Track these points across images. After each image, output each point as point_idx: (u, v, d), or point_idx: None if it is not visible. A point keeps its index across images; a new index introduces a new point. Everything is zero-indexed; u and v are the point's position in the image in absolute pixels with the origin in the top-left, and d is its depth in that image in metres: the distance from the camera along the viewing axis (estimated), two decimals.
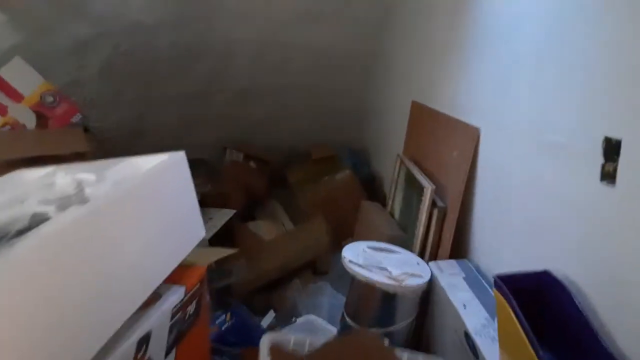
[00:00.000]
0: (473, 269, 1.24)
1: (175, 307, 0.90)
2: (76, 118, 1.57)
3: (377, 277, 1.17)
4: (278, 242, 2.11)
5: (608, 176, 0.80)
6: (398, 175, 1.70)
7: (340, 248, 1.94)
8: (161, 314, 0.85)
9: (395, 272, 1.19)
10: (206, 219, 2.13)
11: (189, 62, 2.16)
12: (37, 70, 1.69)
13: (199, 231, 1.05)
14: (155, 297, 0.88)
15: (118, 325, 0.74)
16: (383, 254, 1.29)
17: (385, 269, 1.21)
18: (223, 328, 1.38)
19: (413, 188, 1.50)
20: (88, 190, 0.78)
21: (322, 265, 1.97)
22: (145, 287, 0.83)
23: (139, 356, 0.79)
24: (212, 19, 2.03)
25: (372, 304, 1.22)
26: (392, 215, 1.71)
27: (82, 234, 0.69)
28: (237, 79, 2.34)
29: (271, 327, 1.56)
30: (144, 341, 0.80)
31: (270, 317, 1.55)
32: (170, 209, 0.94)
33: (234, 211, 2.14)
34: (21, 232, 0.62)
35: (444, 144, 1.43)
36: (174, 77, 2.21)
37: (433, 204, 1.36)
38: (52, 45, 1.82)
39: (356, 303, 1.26)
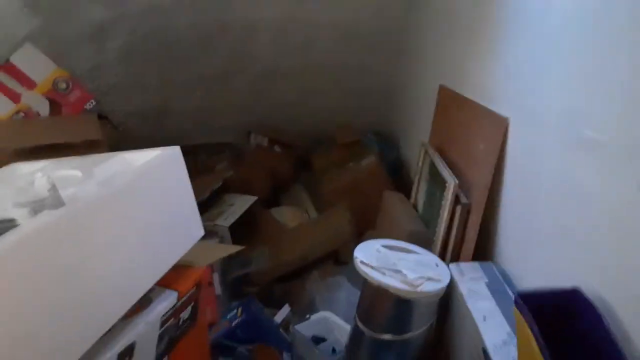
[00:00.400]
0: (497, 273, 1.13)
1: (165, 314, 0.85)
2: (90, 105, 1.55)
3: (391, 281, 1.08)
4: (300, 230, 2.05)
5: None
6: (422, 166, 1.59)
7: (363, 238, 1.86)
8: (148, 323, 0.80)
9: (410, 275, 1.10)
10: (227, 205, 2.10)
11: (210, 43, 2.09)
12: (56, 56, 1.67)
13: (196, 231, 0.99)
14: (144, 303, 0.83)
15: (94, 339, 0.69)
16: (399, 254, 1.20)
17: (400, 272, 1.12)
18: (233, 324, 1.34)
19: (436, 181, 1.39)
20: (69, 191, 0.72)
21: (344, 255, 1.90)
22: (129, 295, 0.78)
23: None
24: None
25: (385, 309, 1.13)
26: (415, 207, 1.61)
27: (52, 242, 0.64)
28: (260, 59, 2.26)
29: (286, 323, 1.51)
30: (127, 353, 0.76)
31: (284, 312, 1.50)
32: (162, 209, 0.88)
33: (256, 198, 2.10)
34: None
35: (470, 133, 1.31)
36: (196, 60, 2.15)
37: (456, 200, 1.25)
38: (70, 31, 1.80)
39: (368, 307, 1.18)
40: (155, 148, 0.94)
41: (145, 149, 0.94)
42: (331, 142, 2.44)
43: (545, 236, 0.98)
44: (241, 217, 2.00)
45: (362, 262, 1.14)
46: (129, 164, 0.88)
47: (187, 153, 2.54)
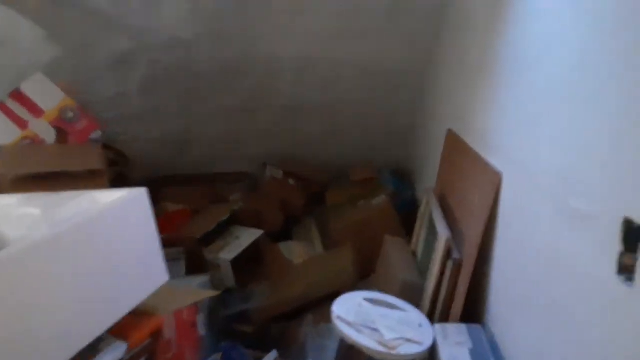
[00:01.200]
0: (484, 339, 1.04)
1: None
2: (96, 134, 1.58)
3: (366, 341, 1.02)
4: (304, 268, 2.01)
5: (626, 270, 0.60)
6: (425, 212, 1.52)
7: (366, 282, 1.79)
8: None
9: (388, 335, 1.04)
10: (234, 237, 2.08)
11: (232, 77, 2.12)
12: (79, 84, 1.73)
13: (159, 276, 0.96)
14: (92, 353, 0.81)
15: None
16: (382, 310, 1.14)
17: (378, 331, 1.05)
18: None
19: (433, 231, 1.32)
20: (20, 232, 0.72)
21: None
22: (72, 344, 0.76)
23: None
24: (254, 34, 1.97)
25: None
26: (415, 254, 1.54)
27: None
28: (282, 95, 2.27)
29: None
30: None
31: (271, 357, 1.45)
32: (120, 252, 0.87)
33: (262, 232, 2.07)
34: None
35: (468, 184, 1.24)
36: (218, 92, 2.18)
37: (448, 255, 1.18)
38: (93, 60, 1.86)
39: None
40: (123, 189, 0.93)
41: (113, 189, 0.94)
42: (347, 178, 2.40)
43: (536, 305, 0.90)
44: (246, 250, 1.99)
45: (339, 317, 1.08)
46: (92, 204, 0.87)
47: (205, 181, 2.56)
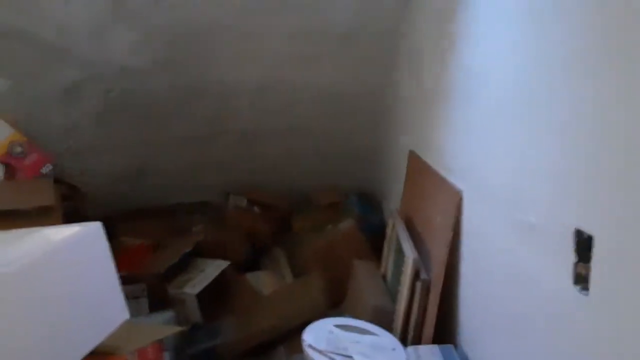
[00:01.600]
0: (457, 359, 1.03)
1: None
2: (46, 169, 1.52)
3: None
4: (274, 299, 1.96)
5: (581, 280, 0.61)
6: (391, 235, 1.52)
7: (338, 309, 1.76)
8: None
9: None
10: (198, 270, 2.02)
11: (188, 105, 2.09)
12: (26, 116, 1.66)
13: (118, 314, 0.92)
14: None
15: None
16: (354, 336, 1.12)
17: (350, 358, 1.03)
18: None
19: (401, 253, 1.32)
20: None
21: None
22: None
23: None
24: (208, 61, 1.96)
25: None
26: (384, 278, 1.53)
27: None
28: (240, 121, 2.25)
29: None
30: None
31: None
32: (76, 290, 0.82)
33: (228, 263, 2.02)
34: None
35: (430, 204, 1.25)
36: (173, 120, 2.14)
37: (416, 276, 1.17)
38: (42, 91, 1.80)
39: None
40: (76, 224, 0.89)
41: (66, 225, 0.89)
42: (312, 203, 2.39)
43: (501, 321, 0.90)
44: (212, 282, 1.93)
45: (310, 345, 1.05)
46: (44, 241, 0.82)
47: (165, 213, 2.48)
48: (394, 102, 1.99)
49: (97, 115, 1.99)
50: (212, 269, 2.00)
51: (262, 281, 2.09)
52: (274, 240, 2.38)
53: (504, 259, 0.87)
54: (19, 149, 1.49)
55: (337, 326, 1.15)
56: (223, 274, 1.99)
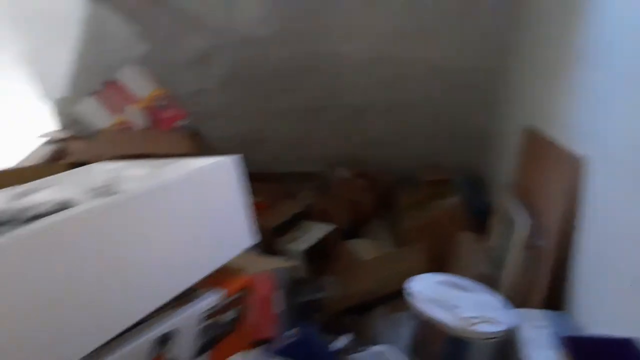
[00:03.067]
0: (567, 324, 1.02)
1: (208, 311, 0.89)
2: (182, 122, 1.70)
3: (443, 316, 1.03)
4: (373, 264, 2.02)
5: None
6: (500, 207, 1.50)
7: None
8: (189, 315, 0.85)
9: (466, 313, 1.04)
10: (305, 230, 2.15)
11: (301, 77, 2.21)
12: (161, 79, 1.87)
13: (245, 239, 1.03)
14: (188, 299, 0.89)
15: (128, 323, 0.75)
16: (460, 292, 1.14)
17: (456, 308, 1.06)
18: (287, 343, 1.35)
19: (511, 224, 1.31)
20: (128, 185, 0.81)
21: None
22: (171, 287, 0.84)
23: (157, 354, 0.79)
24: (325, 33, 2.05)
25: (435, 347, 1.07)
26: (490, 250, 1.52)
27: (96, 225, 0.71)
28: (349, 95, 2.33)
29: (344, 351, 1.48)
30: (165, 340, 0.80)
31: (343, 341, 1.47)
32: (212, 213, 0.94)
33: (333, 226, 2.12)
34: (36, 217, 0.66)
35: (546, 175, 1.22)
36: (288, 91, 2.28)
37: (528, 244, 1.16)
38: (174, 57, 2.01)
39: (418, 342, 1.12)
40: (216, 157, 1.01)
41: (208, 157, 1.02)
42: (417, 180, 2.40)
43: (624, 292, 0.87)
44: (317, 244, 2.04)
45: (414, 293, 1.10)
46: (189, 168, 0.95)
47: (274, 180, 2.65)
48: (509, 77, 1.94)
49: (220, 83, 2.18)
50: (317, 231, 2.12)
51: (363, 248, 2.17)
52: (376, 213, 2.44)
53: (629, 224, 0.84)
54: (160, 103, 1.70)
55: (443, 282, 1.17)
56: (327, 237, 2.10)
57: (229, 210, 0.99)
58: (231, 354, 0.96)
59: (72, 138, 1.87)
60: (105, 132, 1.65)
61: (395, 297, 1.83)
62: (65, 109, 1.99)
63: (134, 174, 0.89)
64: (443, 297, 1.10)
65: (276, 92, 2.29)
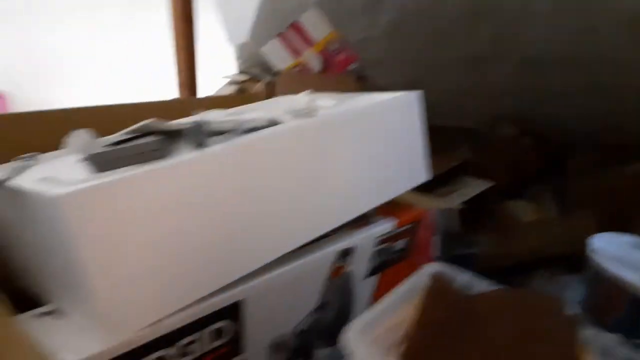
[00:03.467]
0: None
1: (382, 236, 0.94)
2: (352, 66, 1.75)
3: (630, 277, 0.94)
4: (535, 225, 1.91)
5: None
6: None
7: None
8: (366, 236, 0.91)
9: None
10: (461, 185, 2.10)
11: (473, 23, 2.09)
12: (334, 23, 1.92)
13: (421, 174, 1.05)
14: (363, 223, 0.94)
15: (318, 231, 0.83)
16: None
17: None
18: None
19: None
20: (321, 109, 0.88)
21: (579, 263, 1.69)
22: (350, 208, 0.89)
23: (338, 265, 0.87)
24: None
25: (617, 308, 0.99)
26: None
27: (300, 141, 0.78)
28: (526, 45, 2.15)
29: None
30: (346, 254, 0.88)
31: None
32: (391, 143, 0.97)
33: (492, 184, 2.04)
34: (252, 130, 0.75)
35: None
36: (457, 39, 2.18)
37: None
38: (342, 3, 2.03)
39: (596, 301, 1.05)
40: (397, 92, 1.03)
41: (388, 92, 1.04)
42: (594, 143, 2.17)
43: None
44: (472, 200, 1.99)
45: (597, 249, 1.02)
46: (372, 100, 0.98)
47: (432, 133, 2.62)
48: None
49: (388, 30, 2.16)
50: (475, 186, 2.06)
51: (523, 210, 2.06)
52: (542, 175, 2.28)
53: None
54: (334, 46, 1.76)
55: (629, 243, 1.07)
56: (484, 194, 2.03)
57: (409, 144, 1.01)
58: (398, 281, 1.01)
59: (253, 80, 2.06)
60: (285, 74, 1.77)
61: (557, 261, 1.72)
62: (248, 53, 2.18)
63: (325, 104, 0.96)
64: (629, 257, 1.00)
65: (443, 39, 2.21)
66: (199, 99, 1.78)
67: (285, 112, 0.88)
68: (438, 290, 0.81)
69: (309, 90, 1.05)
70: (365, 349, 0.67)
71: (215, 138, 0.75)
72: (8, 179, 0.69)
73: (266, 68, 2.07)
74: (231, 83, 2.17)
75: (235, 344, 0.74)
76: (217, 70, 2.19)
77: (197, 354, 0.70)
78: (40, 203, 0.60)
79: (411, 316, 0.76)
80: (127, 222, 0.60)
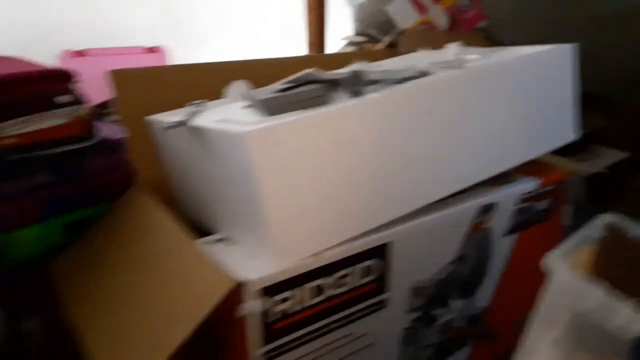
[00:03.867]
0: None
1: (524, 194, 0.92)
2: (481, 24, 1.67)
3: None
4: None
5: None
6: None
7: None
8: (509, 193, 0.90)
9: None
10: (594, 154, 1.96)
11: None
12: None
13: (568, 133, 1.00)
14: (508, 180, 0.93)
15: (463, 184, 0.83)
16: None
17: None
18: None
19: None
20: (467, 62, 0.86)
21: None
22: (496, 162, 0.88)
23: (478, 220, 0.87)
24: None
25: None
26: None
27: (451, 91, 0.79)
28: None
29: None
30: (487, 209, 0.87)
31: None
32: (539, 99, 0.93)
33: (626, 155, 1.88)
34: (406, 80, 0.76)
35: None
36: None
37: None
38: None
39: None
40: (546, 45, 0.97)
41: (535, 45, 0.99)
42: None
43: None
44: (609, 174, 1.85)
45: None
46: (518, 53, 0.95)
47: None
48: None
49: None
50: (607, 156, 1.91)
51: None
52: None
53: None
54: (463, 2, 1.69)
55: None
56: (617, 165, 1.87)
57: (558, 100, 0.97)
58: (538, 242, 0.99)
59: (371, 41, 2.06)
60: (410, 31, 1.75)
61: None
62: (366, 13, 2.17)
63: (470, 57, 0.94)
64: None
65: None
66: (332, 54, 1.80)
67: (432, 64, 0.88)
68: (614, 240, 0.78)
69: (456, 43, 1.03)
70: (565, 270, 0.68)
71: (370, 87, 0.78)
72: (188, 120, 0.78)
73: (384, 29, 2.05)
74: (350, 44, 2.18)
75: (381, 282, 0.79)
76: (340, 33, 2.22)
77: (349, 287, 0.75)
78: (226, 140, 0.68)
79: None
80: (298, 159, 0.65)
